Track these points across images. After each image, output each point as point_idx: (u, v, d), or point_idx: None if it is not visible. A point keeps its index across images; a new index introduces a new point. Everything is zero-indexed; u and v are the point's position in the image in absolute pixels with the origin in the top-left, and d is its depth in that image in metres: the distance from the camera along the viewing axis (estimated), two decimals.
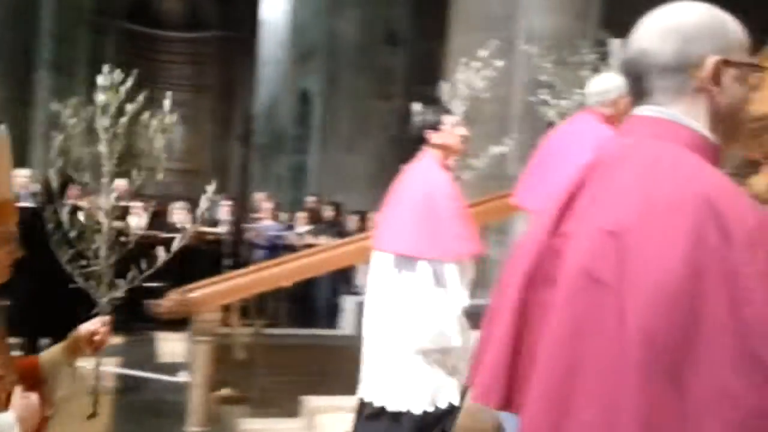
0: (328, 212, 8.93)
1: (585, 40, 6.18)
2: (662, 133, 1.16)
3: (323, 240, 7.17)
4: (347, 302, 6.00)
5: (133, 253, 4.78)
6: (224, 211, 8.73)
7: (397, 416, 3.26)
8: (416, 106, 4.50)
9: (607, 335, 1.04)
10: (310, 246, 6.46)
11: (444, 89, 6.23)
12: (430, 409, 3.22)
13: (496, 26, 6.79)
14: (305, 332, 6.06)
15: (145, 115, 4.86)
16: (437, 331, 3.19)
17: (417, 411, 3.22)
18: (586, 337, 1.07)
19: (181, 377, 5.46)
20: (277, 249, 7.63)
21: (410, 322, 3.22)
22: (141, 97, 4.77)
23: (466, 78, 6.01)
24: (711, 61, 1.16)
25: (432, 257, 3.21)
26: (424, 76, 10.05)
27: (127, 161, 4.84)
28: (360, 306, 5.75)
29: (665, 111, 1.18)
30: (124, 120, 4.71)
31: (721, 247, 0.99)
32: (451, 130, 3.43)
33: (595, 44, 6.08)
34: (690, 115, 1.17)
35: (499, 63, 5.97)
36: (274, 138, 14.13)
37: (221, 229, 8.32)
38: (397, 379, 3.25)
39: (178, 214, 7.56)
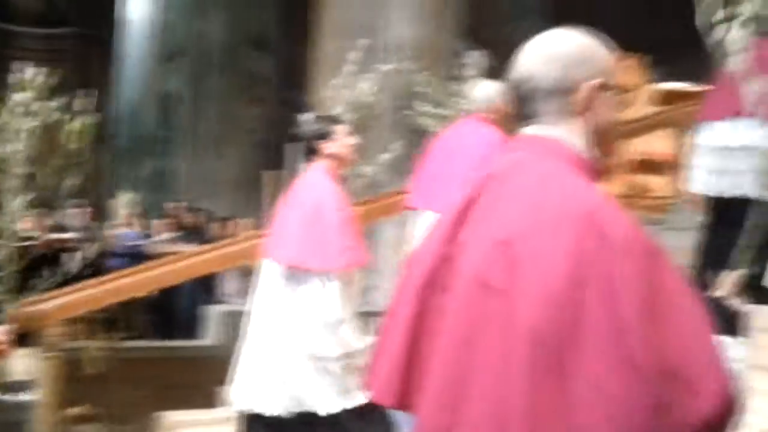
0: (191, 219, 8.66)
1: (447, 50, 6.34)
2: (547, 151, 1.27)
3: (185, 247, 6.94)
4: (210, 312, 5.83)
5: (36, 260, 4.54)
6: (78, 217, 8.28)
7: (300, 421, 3.21)
8: (306, 116, 4.51)
9: (497, 337, 1.12)
10: (171, 254, 6.23)
11: (326, 95, 6.22)
12: (338, 409, 3.19)
13: (363, 34, 6.84)
14: (164, 344, 5.84)
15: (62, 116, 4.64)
16: (332, 338, 3.19)
17: (326, 412, 3.18)
18: (478, 339, 1.15)
19: (28, 396, 5.12)
20: (135, 257, 7.31)
21: (303, 331, 3.20)
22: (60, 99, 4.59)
23: (350, 83, 6.04)
24: (588, 85, 1.28)
25: (320, 268, 3.22)
26: (292, 81, 9.99)
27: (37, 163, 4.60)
28: (224, 315, 5.60)
29: (549, 131, 1.29)
30: (38, 121, 4.46)
31: (600, 255, 1.10)
32: (342, 139, 3.43)
33: (455, 55, 6.25)
34: (571, 135, 1.29)
35: (387, 67, 6.04)
36: (136, 141, 13.60)
37: (74, 235, 7.88)
38: (290, 386, 3.22)
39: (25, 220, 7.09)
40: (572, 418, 1.06)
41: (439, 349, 1.21)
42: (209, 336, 5.62)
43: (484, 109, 3.89)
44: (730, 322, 1.12)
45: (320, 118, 3.62)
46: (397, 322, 1.31)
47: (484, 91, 3.95)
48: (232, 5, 11.62)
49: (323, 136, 3.42)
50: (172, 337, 6.76)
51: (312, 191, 3.35)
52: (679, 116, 5.12)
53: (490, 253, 1.17)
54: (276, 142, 9.51)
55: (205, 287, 7.05)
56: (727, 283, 1.83)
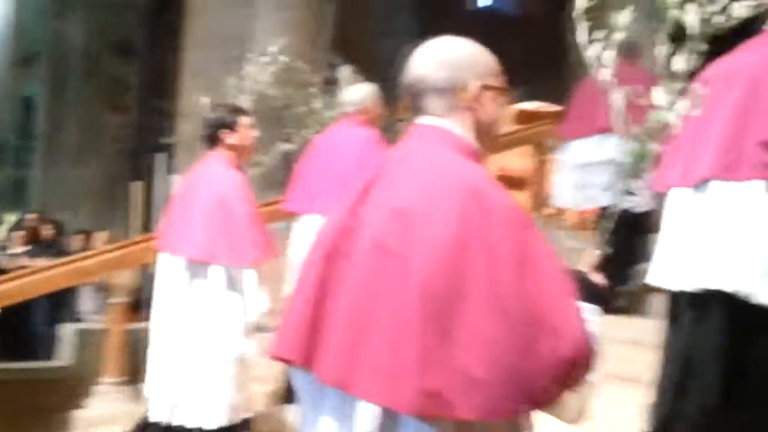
0: (48, 231, 8.24)
1: (316, 62, 6.40)
2: (438, 139, 1.46)
3: (39, 262, 6.58)
4: (66, 330, 5.53)
5: None
6: None
7: None
8: (205, 102, 4.42)
9: (394, 294, 1.30)
10: (22, 268, 5.89)
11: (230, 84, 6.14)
12: (225, 423, 3.09)
13: (230, 44, 6.80)
14: (12, 365, 5.49)
15: None
16: (233, 340, 3.09)
17: (211, 426, 3.07)
18: (376, 297, 1.32)
19: None
20: None
21: (205, 331, 3.09)
22: None
23: (254, 73, 6.00)
24: (474, 85, 1.48)
25: (228, 262, 3.11)
26: (158, 89, 9.73)
27: None
28: (79, 334, 5.33)
29: (440, 122, 1.48)
30: None
31: (482, 224, 1.29)
32: (245, 131, 3.34)
33: (326, 67, 6.31)
34: (458, 126, 1.48)
35: (303, 64, 6.03)
36: None
37: None
38: (192, 393, 3.10)
39: None
40: (460, 361, 1.24)
41: (341, 307, 1.36)
42: (63, 356, 5.33)
43: (357, 111, 4.06)
44: (589, 293, 1.37)
45: (223, 108, 3.52)
46: (304, 287, 1.45)
47: (356, 94, 4.14)
48: (93, 8, 11.21)
49: (226, 125, 3.33)
50: (23, 357, 6.38)
51: (215, 182, 3.23)
52: (534, 135, 5.38)
53: (388, 221, 1.35)
54: (140, 151, 9.24)
55: (59, 304, 6.72)
56: (588, 260, 2.08)
